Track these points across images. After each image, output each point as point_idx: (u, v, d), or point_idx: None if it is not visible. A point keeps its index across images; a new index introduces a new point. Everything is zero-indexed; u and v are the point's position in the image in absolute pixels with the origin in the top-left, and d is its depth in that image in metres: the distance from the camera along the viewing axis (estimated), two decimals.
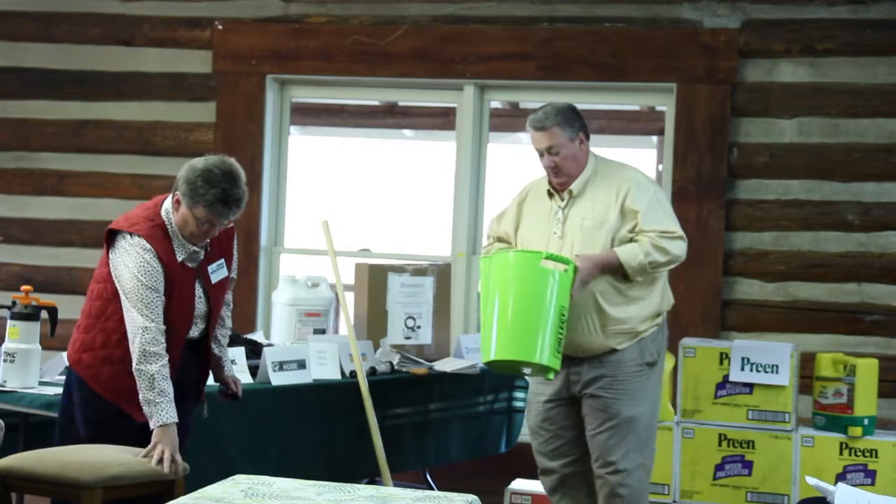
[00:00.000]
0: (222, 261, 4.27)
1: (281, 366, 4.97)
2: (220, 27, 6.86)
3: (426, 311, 5.74)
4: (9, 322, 4.57)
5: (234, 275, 4.41)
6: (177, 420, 3.97)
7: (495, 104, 7.43)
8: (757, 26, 6.31)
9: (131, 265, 4.01)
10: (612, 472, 4.49)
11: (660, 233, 4.49)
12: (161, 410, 3.95)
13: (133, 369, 3.98)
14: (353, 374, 5.13)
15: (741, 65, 6.32)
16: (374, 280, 5.68)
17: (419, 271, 5.77)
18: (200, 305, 4.19)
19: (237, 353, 4.94)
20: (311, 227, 6.32)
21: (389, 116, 9.23)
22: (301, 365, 5.04)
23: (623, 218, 4.51)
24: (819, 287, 6.21)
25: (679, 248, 4.52)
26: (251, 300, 6.76)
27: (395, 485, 5.10)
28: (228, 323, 4.49)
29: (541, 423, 4.63)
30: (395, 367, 5.44)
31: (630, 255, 4.46)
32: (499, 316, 4.30)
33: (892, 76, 6.18)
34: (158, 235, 4.07)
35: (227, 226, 4.19)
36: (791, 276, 6.25)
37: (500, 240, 4.78)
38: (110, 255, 4.08)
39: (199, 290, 4.18)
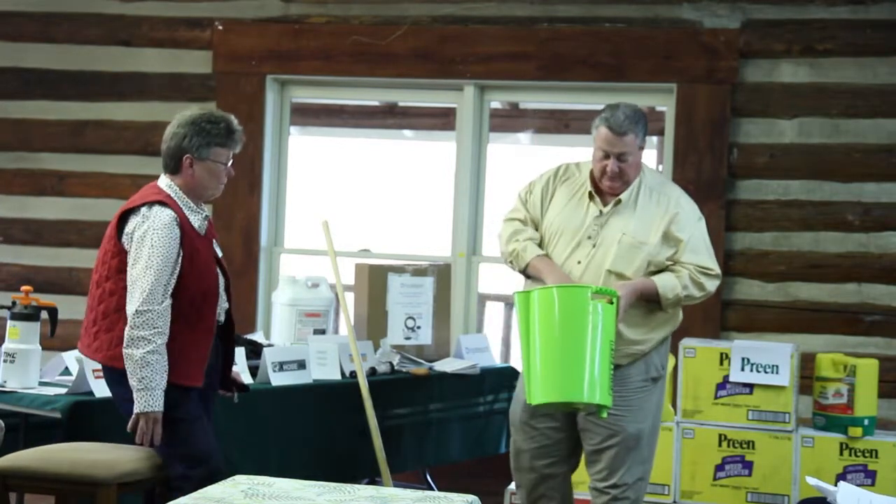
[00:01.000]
0: (214, 239, 4.27)
1: (281, 366, 4.97)
2: (220, 27, 6.86)
3: (426, 312, 5.74)
4: (9, 322, 4.57)
5: None
6: (159, 409, 3.94)
7: (495, 104, 7.43)
8: (757, 26, 6.31)
9: (153, 235, 3.96)
10: (613, 486, 4.47)
11: (699, 268, 4.44)
12: (141, 398, 3.93)
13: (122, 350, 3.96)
14: (354, 374, 5.13)
15: (741, 65, 6.33)
16: (375, 280, 5.68)
17: (419, 272, 5.77)
18: (220, 278, 4.18)
19: (237, 354, 4.93)
20: (311, 227, 6.32)
21: (389, 117, 9.22)
22: (301, 365, 5.04)
23: (665, 242, 4.43)
24: (819, 287, 6.22)
25: (713, 286, 4.50)
26: (251, 300, 6.76)
27: (395, 485, 5.10)
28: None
29: (528, 419, 4.53)
30: (396, 368, 5.44)
31: (668, 287, 4.40)
32: (547, 356, 4.12)
33: (892, 76, 6.18)
34: (174, 204, 4.07)
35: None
36: (791, 277, 6.25)
37: (526, 220, 4.55)
38: (132, 233, 4.00)
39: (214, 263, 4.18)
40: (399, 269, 5.75)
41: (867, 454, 5.14)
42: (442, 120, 8.58)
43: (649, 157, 8.81)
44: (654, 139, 8.64)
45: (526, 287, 4.50)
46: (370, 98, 8.14)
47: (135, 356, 3.93)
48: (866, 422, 5.17)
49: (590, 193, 4.48)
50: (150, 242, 3.97)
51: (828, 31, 6.24)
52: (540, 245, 4.52)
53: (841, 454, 5.17)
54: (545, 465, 4.56)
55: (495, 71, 6.61)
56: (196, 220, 4.11)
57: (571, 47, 6.49)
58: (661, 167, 7.57)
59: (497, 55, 6.58)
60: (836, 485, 3.73)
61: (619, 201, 4.45)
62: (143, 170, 6.90)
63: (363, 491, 3.41)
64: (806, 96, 6.28)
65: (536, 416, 4.51)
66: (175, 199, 4.10)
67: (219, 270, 4.19)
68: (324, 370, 5.13)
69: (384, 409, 5.21)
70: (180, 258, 4.01)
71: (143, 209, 4.04)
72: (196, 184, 4.12)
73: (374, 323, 5.63)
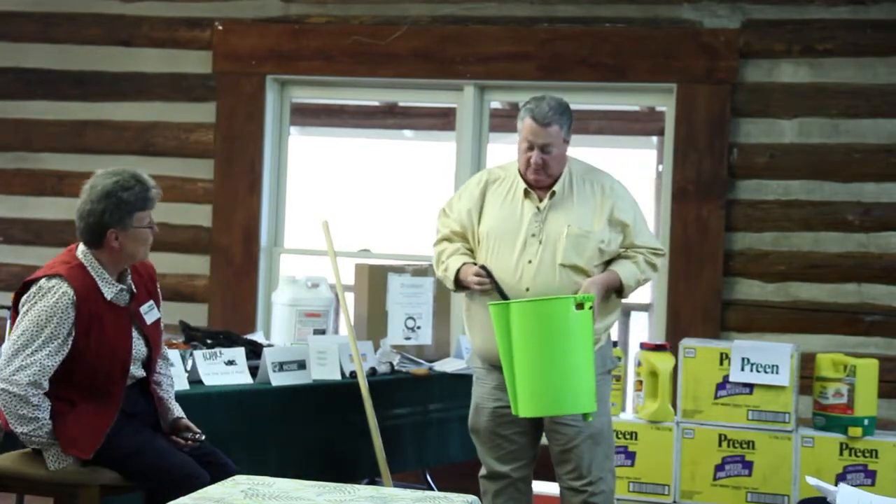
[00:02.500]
0: (152, 303, 4.24)
1: (281, 366, 4.97)
2: (220, 27, 6.86)
3: (426, 312, 5.74)
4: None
5: (162, 318, 4.37)
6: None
7: (495, 104, 7.43)
8: (757, 26, 6.32)
9: (40, 306, 3.94)
10: (588, 483, 4.48)
11: (650, 249, 4.50)
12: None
13: None
14: (354, 374, 5.13)
15: (741, 65, 6.33)
16: (374, 280, 5.68)
17: (419, 272, 5.77)
18: (140, 347, 4.15)
19: (237, 354, 4.95)
20: (311, 227, 6.32)
21: (389, 117, 9.22)
22: (301, 365, 5.04)
23: (611, 228, 4.45)
24: (819, 287, 6.22)
25: (662, 265, 4.60)
26: (251, 300, 6.77)
27: (395, 485, 5.10)
28: (170, 373, 4.40)
29: (495, 427, 4.53)
30: (396, 368, 5.44)
31: (630, 275, 4.44)
32: (534, 370, 4.11)
33: (892, 76, 6.18)
34: (79, 275, 4.02)
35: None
36: (791, 277, 6.25)
37: (455, 234, 4.53)
38: (24, 304, 3.99)
39: (135, 332, 4.14)
40: (399, 270, 5.76)
41: (867, 454, 5.14)
42: (442, 120, 8.58)
43: (649, 157, 8.83)
44: (655, 139, 8.65)
45: (470, 297, 4.49)
46: (370, 98, 8.14)
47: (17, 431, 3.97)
48: (866, 422, 5.17)
49: (525, 191, 4.46)
50: (32, 317, 3.95)
51: (828, 31, 6.25)
52: (475, 251, 4.50)
53: (841, 454, 5.17)
54: (514, 469, 4.56)
55: (495, 71, 6.62)
56: (110, 292, 4.07)
57: (571, 47, 6.50)
58: (661, 167, 7.58)
59: (497, 55, 6.58)
60: (836, 485, 3.74)
61: (554, 193, 4.45)
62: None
63: (363, 491, 3.41)
64: (806, 96, 6.28)
65: (503, 424, 4.52)
66: (89, 269, 4.06)
67: (143, 339, 4.15)
68: (324, 370, 5.13)
69: (384, 409, 5.21)
70: (72, 337, 3.97)
71: (43, 281, 4.00)
72: (123, 255, 4.09)
73: (374, 323, 5.63)
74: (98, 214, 4.05)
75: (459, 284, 4.48)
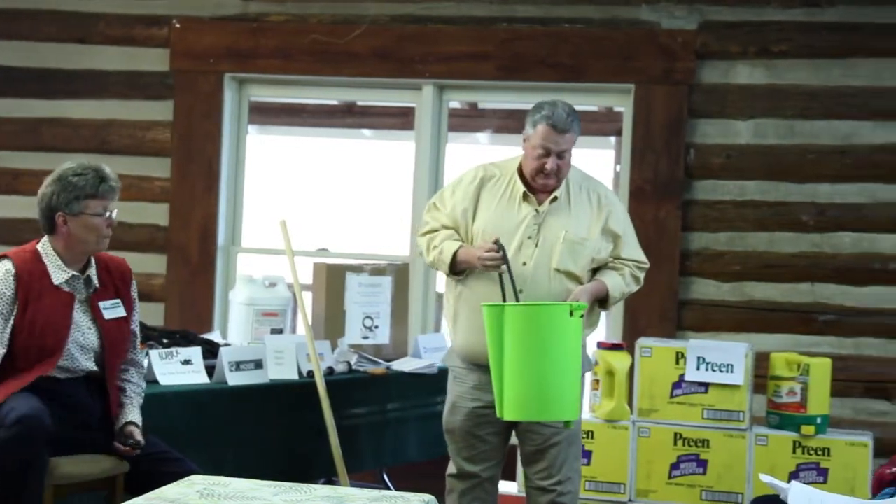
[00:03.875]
0: (118, 301, 4.27)
1: (238, 366, 4.96)
2: (177, 25, 6.84)
3: (384, 311, 5.73)
4: None
5: (135, 326, 4.39)
6: None
7: (454, 104, 7.44)
8: (714, 28, 6.36)
9: None
10: (558, 482, 4.51)
11: (636, 263, 4.54)
12: None
13: None
14: (311, 373, 5.13)
15: (698, 66, 6.38)
16: (332, 280, 5.67)
17: (377, 271, 5.77)
18: (91, 338, 4.18)
19: (193, 353, 4.93)
20: (269, 226, 6.32)
21: (348, 116, 9.22)
22: (258, 365, 5.03)
23: (604, 238, 4.48)
24: (774, 287, 6.27)
25: (643, 277, 4.61)
26: (208, 300, 6.75)
27: (352, 485, 5.10)
28: (141, 383, 4.41)
29: (470, 427, 4.53)
30: (353, 367, 5.44)
31: (616, 287, 4.47)
32: (525, 374, 4.10)
33: (846, 78, 6.25)
34: (27, 258, 4.13)
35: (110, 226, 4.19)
36: (746, 277, 6.31)
37: (445, 229, 4.51)
38: None
39: (86, 321, 4.18)
40: (357, 269, 5.75)
41: (820, 452, 5.20)
42: (401, 119, 8.59)
43: (607, 157, 8.87)
44: (612, 139, 8.70)
45: (460, 282, 4.48)
46: (329, 97, 8.14)
47: None
48: (819, 420, 5.22)
49: (524, 193, 4.46)
50: None
51: (783, 33, 6.30)
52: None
53: (794, 452, 5.22)
54: (483, 469, 4.58)
55: (454, 71, 6.63)
56: (60, 278, 4.13)
57: (530, 47, 6.52)
58: (618, 167, 7.62)
59: (456, 55, 6.60)
60: (788, 482, 3.78)
61: (556, 199, 4.46)
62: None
63: (319, 490, 3.41)
64: (762, 97, 6.33)
65: (480, 424, 4.53)
66: (43, 255, 4.14)
67: (96, 330, 4.19)
68: (281, 370, 5.12)
69: (341, 408, 5.21)
70: (15, 309, 4.07)
71: None
72: (73, 241, 4.15)
73: (331, 322, 5.63)
74: (48, 197, 4.14)
75: (454, 269, 4.45)
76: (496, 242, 4.31)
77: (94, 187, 4.14)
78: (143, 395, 4.38)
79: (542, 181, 4.43)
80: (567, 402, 4.14)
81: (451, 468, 4.64)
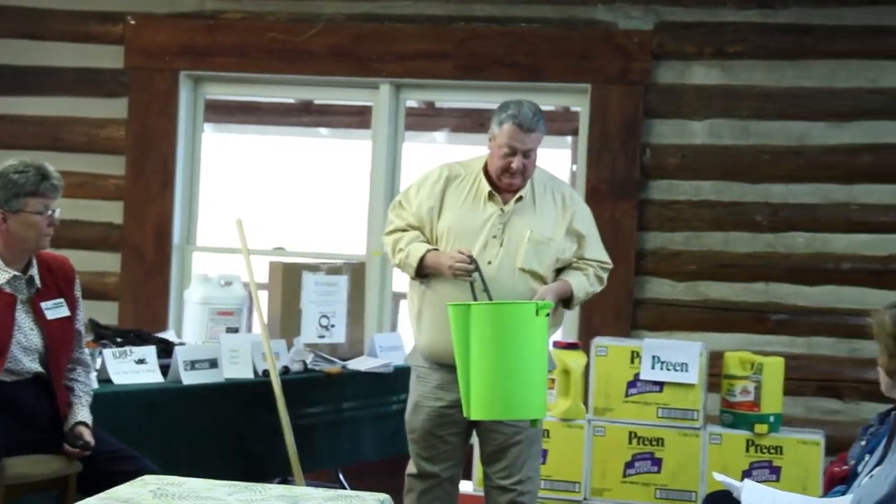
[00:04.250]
0: (61, 301, 4.24)
1: (192, 365, 4.94)
2: (132, 22, 6.80)
3: (340, 310, 5.72)
4: None
5: (80, 325, 4.35)
6: None
7: (411, 103, 7.45)
8: (670, 29, 6.39)
9: None
10: (518, 482, 4.52)
11: (600, 263, 4.57)
12: None
13: None
14: (266, 373, 5.11)
15: (654, 66, 6.40)
16: (288, 279, 5.65)
17: (334, 270, 5.76)
18: (34, 339, 4.14)
19: (148, 353, 4.91)
20: (224, 225, 6.29)
21: (305, 114, 9.18)
22: (213, 364, 5.01)
23: (568, 238, 4.50)
24: (728, 287, 6.31)
25: (606, 277, 4.63)
26: (163, 299, 6.71)
27: (308, 484, 5.09)
28: (89, 382, 4.38)
29: (432, 427, 4.54)
30: (309, 366, 5.43)
31: (580, 287, 4.49)
32: (491, 373, 4.09)
33: (799, 79, 6.29)
34: None
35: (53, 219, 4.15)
36: (701, 276, 6.34)
37: (411, 228, 4.53)
38: None
39: (28, 323, 4.14)
40: (313, 268, 5.74)
41: (772, 451, 5.23)
42: (358, 118, 8.57)
43: (564, 157, 8.90)
44: (569, 139, 8.72)
45: (424, 282, 4.48)
46: (286, 95, 8.10)
47: None
48: (772, 419, 5.26)
49: (489, 193, 4.47)
50: None
51: (738, 34, 6.34)
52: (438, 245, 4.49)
53: (747, 451, 5.25)
54: (443, 469, 4.58)
55: (411, 69, 6.62)
56: (1, 278, 4.09)
57: (487, 47, 6.53)
58: (574, 167, 7.65)
59: (413, 54, 6.59)
60: (742, 481, 3.81)
61: (521, 198, 4.47)
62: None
63: (274, 490, 3.40)
64: (717, 98, 6.36)
65: (441, 424, 4.54)
66: None
67: (39, 330, 4.15)
68: (236, 369, 5.10)
69: (297, 407, 5.19)
70: None
71: None
72: (12, 238, 4.11)
73: (287, 321, 5.61)
74: None
75: (420, 271, 4.45)
76: (469, 256, 4.31)
77: (35, 185, 4.09)
78: (91, 393, 4.34)
79: (507, 180, 4.44)
80: (534, 400, 4.15)
81: (411, 468, 4.64)
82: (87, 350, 4.43)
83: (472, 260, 4.31)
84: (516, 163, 4.40)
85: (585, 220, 4.57)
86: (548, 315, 4.18)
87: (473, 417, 4.20)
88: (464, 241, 4.43)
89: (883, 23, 6.21)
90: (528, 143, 4.41)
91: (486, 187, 4.48)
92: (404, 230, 4.54)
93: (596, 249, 4.58)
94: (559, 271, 4.53)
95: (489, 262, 4.40)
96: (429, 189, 4.53)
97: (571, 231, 4.51)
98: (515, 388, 4.12)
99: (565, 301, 4.51)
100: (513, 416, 4.30)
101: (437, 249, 4.45)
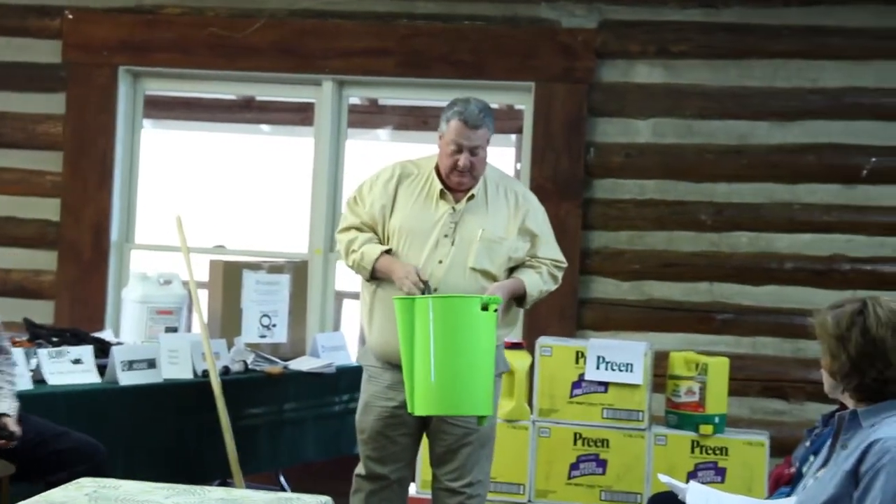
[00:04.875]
0: None
1: (130, 365, 4.87)
2: (70, 16, 6.68)
3: (282, 310, 5.68)
4: None
5: None
6: None
7: (354, 100, 7.39)
8: (613, 27, 6.38)
9: None
10: (468, 484, 4.47)
11: (554, 262, 4.53)
12: None
13: None
14: (206, 373, 5.05)
15: (598, 65, 6.39)
16: (229, 277, 5.60)
17: (275, 269, 5.71)
18: None
19: (84, 352, 4.83)
20: (164, 223, 6.21)
21: (246, 111, 9.10)
22: (151, 364, 4.95)
23: (521, 237, 4.47)
24: (673, 286, 6.31)
25: (561, 276, 4.60)
26: (100, 297, 6.61)
27: (248, 486, 5.03)
28: (11, 371, 4.29)
29: (382, 428, 4.49)
30: (250, 367, 5.37)
31: (534, 285, 4.45)
32: (436, 368, 4.06)
33: (742, 79, 6.30)
34: None
35: None
36: (646, 276, 6.33)
37: (364, 226, 4.49)
38: None
39: None
40: (254, 266, 5.69)
41: (717, 452, 5.23)
42: (300, 115, 8.51)
43: (508, 155, 8.87)
44: (513, 137, 8.69)
45: (375, 283, 4.45)
46: (227, 92, 8.02)
47: None
48: (717, 420, 5.25)
49: (441, 191, 4.44)
50: None
51: (682, 33, 6.34)
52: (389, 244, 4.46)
53: (692, 452, 5.25)
54: (392, 471, 4.53)
55: (354, 66, 6.57)
56: None
57: (431, 44, 6.48)
58: (518, 165, 7.62)
59: (356, 50, 6.54)
60: (687, 482, 3.78)
61: (473, 196, 4.44)
62: None
63: (213, 493, 3.34)
64: (660, 97, 6.36)
65: (391, 425, 4.49)
66: None
67: None
68: (175, 369, 5.04)
69: (237, 408, 5.13)
70: None
71: None
72: None
73: (228, 321, 5.55)
74: None
75: (374, 275, 4.42)
76: (425, 282, 4.27)
77: None
78: (14, 382, 4.25)
79: (456, 179, 4.42)
80: (479, 397, 4.10)
81: (360, 468, 4.59)
82: (4, 336, 4.32)
83: (426, 286, 4.27)
84: (463, 160, 4.37)
85: (539, 219, 4.54)
86: (496, 311, 4.13)
87: (417, 413, 4.17)
88: (415, 240, 4.40)
89: (824, 23, 6.24)
90: (475, 139, 4.38)
91: (438, 186, 4.45)
92: (359, 229, 4.51)
93: (550, 248, 4.55)
94: (512, 270, 4.49)
95: (440, 262, 4.37)
96: (381, 187, 4.50)
97: (524, 230, 4.48)
98: (459, 383, 4.08)
99: (518, 299, 4.46)
100: (457, 412, 4.25)
101: (389, 251, 4.42)
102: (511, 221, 4.46)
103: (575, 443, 5.28)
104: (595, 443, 5.27)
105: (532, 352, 5.40)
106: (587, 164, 6.39)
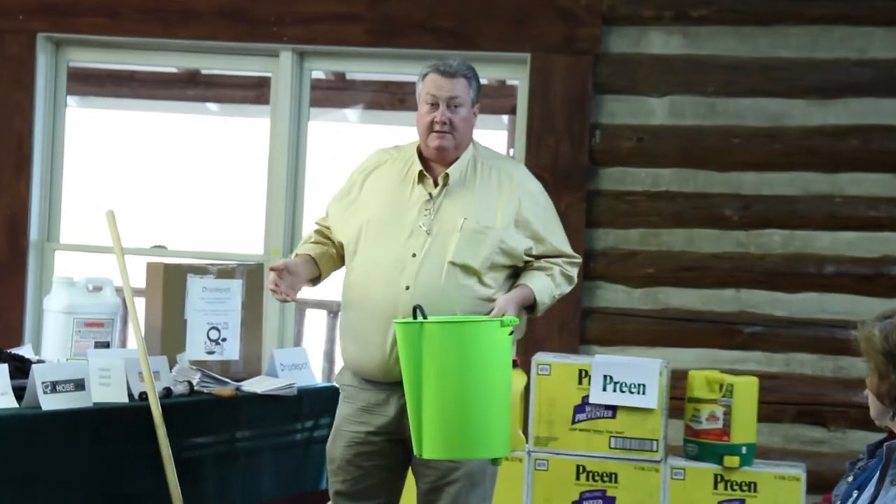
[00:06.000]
0: None
1: (54, 387, 4.87)
2: None
3: (233, 321, 5.68)
4: None
5: None
6: None
7: (318, 74, 7.41)
8: None
9: None
10: None
11: (566, 259, 4.56)
12: None
13: None
14: (144, 396, 5.06)
15: (605, 33, 6.42)
16: (171, 283, 5.60)
17: (225, 273, 5.71)
18: None
19: None
20: (93, 218, 6.22)
21: (190, 86, 9.14)
22: (79, 386, 4.94)
23: (518, 230, 4.48)
24: (692, 293, 6.35)
25: (576, 274, 4.61)
26: (17, 306, 6.63)
27: None
28: None
29: (353, 457, 4.52)
30: (195, 388, 5.37)
31: (544, 290, 4.47)
32: (447, 404, 4.06)
33: (775, 49, 6.34)
34: None
35: None
36: (661, 281, 6.37)
37: (325, 229, 4.64)
38: None
39: None
40: (201, 270, 5.69)
41: (745, 487, 5.27)
42: (254, 92, 8.55)
43: (499, 139, 8.92)
44: (505, 118, 8.74)
45: (344, 283, 4.51)
46: (166, 64, 8.05)
47: None
48: (744, 450, 5.28)
49: (420, 173, 4.48)
50: None
51: None
52: (357, 244, 4.52)
53: (715, 488, 5.28)
54: None
55: (317, 34, 6.60)
56: None
57: (406, 8, 6.52)
58: (512, 151, 7.65)
59: (319, 16, 6.57)
60: None
61: (447, 177, 4.46)
62: None
63: None
64: (678, 71, 6.40)
65: (362, 454, 4.51)
66: None
67: None
68: (107, 391, 5.04)
69: (181, 437, 5.14)
70: None
71: None
72: None
73: (169, 334, 5.55)
74: None
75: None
76: (419, 306, 4.25)
77: None
78: None
79: (436, 142, 4.45)
80: (495, 435, 4.12)
81: None
82: None
83: (419, 308, 4.21)
84: (440, 115, 4.42)
85: (539, 207, 4.55)
86: (511, 333, 4.16)
87: (426, 456, 4.17)
88: (386, 232, 4.44)
89: None
90: (452, 89, 4.43)
91: (418, 167, 4.49)
92: (319, 232, 4.68)
93: (557, 241, 4.56)
94: (513, 269, 4.50)
95: (413, 255, 4.40)
96: (348, 184, 4.62)
97: (521, 221, 4.49)
98: (475, 422, 4.09)
99: (528, 307, 4.50)
100: (472, 455, 4.24)
101: (309, 256, 4.62)
102: (503, 208, 4.47)
103: (578, 477, 5.32)
104: (601, 477, 5.31)
105: (528, 371, 5.42)
106: (592, 149, 6.42)
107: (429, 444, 4.13)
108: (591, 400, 5.33)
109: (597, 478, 5.31)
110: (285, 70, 6.70)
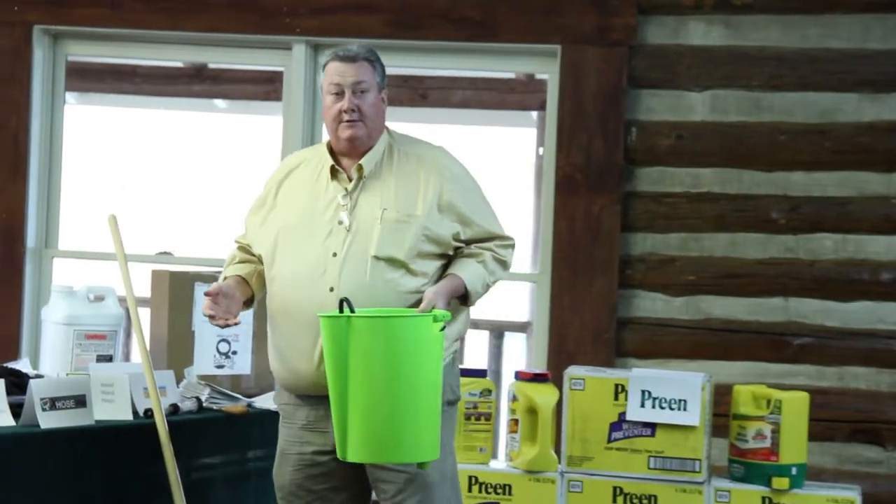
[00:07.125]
0: None
1: (53, 403, 4.88)
2: None
3: (244, 333, 5.69)
4: None
5: None
6: None
7: None
8: None
9: None
10: None
11: (497, 242, 4.55)
12: None
13: None
14: (149, 413, 5.07)
15: (641, 23, 6.42)
16: (177, 292, 5.62)
17: None
18: None
19: None
20: (94, 223, 6.23)
21: (196, 82, 9.16)
22: (80, 402, 4.95)
23: (442, 215, 4.47)
24: (736, 302, 6.34)
25: (512, 257, 4.61)
26: (13, 317, 6.65)
27: None
28: None
29: (303, 480, 4.52)
30: (204, 405, 5.39)
31: (476, 278, 4.46)
32: (373, 404, 4.07)
33: (824, 39, 6.34)
34: None
35: None
36: (702, 289, 6.37)
37: (246, 245, 4.75)
38: None
39: None
40: (209, 278, 5.70)
41: None
42: (265, 87, 8.56)
43: (528, 137, 8.90)
44: (534, 115, 8.73)
45: (270, 284, 4.54)
46: (171, 58, 8.06)
47: None
48: (794, 471, 5.27)
49: (332, 168, 4.50)
50: None
51: None
52: (274, 253, 4.56)
53: None
54: None
55: (333, 26, 6.61)
56: None
57: None
58: (541, 150, 7.64)
59: (335, 6, 6.59)
60: None
61: (361, 168, 4.47)
62: None
63: None
64: (720, 63, 6.40)
65: (312, 476, 4.51)
66: None
67: None
68: (110, 408, 5.06)
69: (189, 457, 5.15)
70: None
71: None
72: None
73: (176, 347, 5.57)
74: None
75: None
76: (346, 299, 4.28)
77: None
78: None
79: (347, 132, 4.46)
80: (425, 439, 4.13)
81: None
82: None
83: (346, 300, 4.24)
84: (347, 102, 4.44)
85: (463, 189, 4.54)
86: (443, 329, 4.18)
87: (350, 459, 4.17)
88: (303, 235, 4.45)
89: None
90: (357, 74, 4.46)
91: (329, 162, 4.52)
92: (241, 248, 4.79)
93: (486, 223, 4.55)
94: (443, 257, 4.50)
95: (334, 254, 4.41)
96: (264, 193, 4.69)
97: (445, 205, 4.48)
98: (403, 423, 4.09)
99: (461, 298, 4.48)
100: (400, 459, 4.23)
101: (240, 277, 4.68)
102: (424, 194, 4.47)
103: (614, 500, 5.32)
104: (640, 499, 5.30)
105: (560, 385, 5.42)
106: (627, 148, 6.42)
107: (354, 448, 4.13)
108: (629, 417, 5.33)
109: (635, 500, 5.31)
110: (298, 64, 6.71)
